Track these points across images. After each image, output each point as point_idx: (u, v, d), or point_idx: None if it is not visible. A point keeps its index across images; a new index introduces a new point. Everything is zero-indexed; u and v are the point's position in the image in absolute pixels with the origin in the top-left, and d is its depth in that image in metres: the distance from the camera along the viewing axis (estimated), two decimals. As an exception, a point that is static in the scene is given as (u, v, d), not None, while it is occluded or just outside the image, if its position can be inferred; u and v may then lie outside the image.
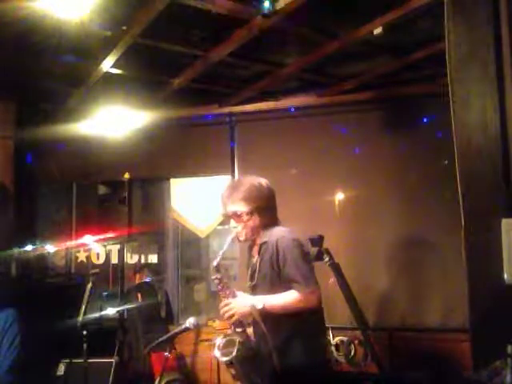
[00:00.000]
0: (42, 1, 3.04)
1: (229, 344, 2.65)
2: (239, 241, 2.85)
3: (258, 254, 2.77)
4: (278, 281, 2.67)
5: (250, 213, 2.74)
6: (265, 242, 2.74)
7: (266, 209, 2.79)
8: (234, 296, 2.71)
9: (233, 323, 2.68)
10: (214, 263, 2.76)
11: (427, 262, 4.24)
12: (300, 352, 2.63)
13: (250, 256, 2.92)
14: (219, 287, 2.74)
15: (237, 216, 2.76)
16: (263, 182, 2.84)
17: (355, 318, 3.93)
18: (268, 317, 2.64)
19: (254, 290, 2.78)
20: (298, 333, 2.64)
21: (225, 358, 2.63)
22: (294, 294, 2.59)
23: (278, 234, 2.73)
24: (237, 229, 2.79)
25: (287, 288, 2.62)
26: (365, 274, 4.30)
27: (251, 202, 2.74)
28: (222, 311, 2.69)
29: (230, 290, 2.73)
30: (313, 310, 2.65)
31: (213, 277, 2.76)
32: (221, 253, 2.76)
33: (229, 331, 2.74)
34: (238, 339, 2.62)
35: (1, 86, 4.61)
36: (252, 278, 2.81)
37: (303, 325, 2.65)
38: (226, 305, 2.68)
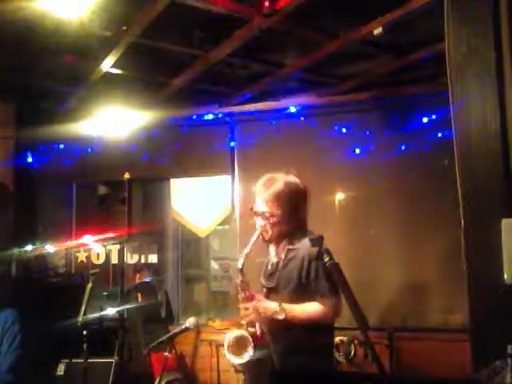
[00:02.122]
0: (41, 1, 3.04)
1: (240, 344, 2.57)
2: (264, 240, 2.69)
3: (285, 257, 2.64)
4: (301, 292, 2.56)
5: (281, 216, 2.60)
6: (294, 249, 2.62)
7: (297, 212, 2.66)
8: (253, 298, 2.61)
9: (246, 323, 2.60)
10: (239, 265, 2.62)
11: (427, 262, 4.24)
12: (307, 351, 2.54)
13: (267, 253, 2.79)
14: (240, 288, 2.63)
15: (265, 217, 2.62)
16: (298, 183, 2.69)
17: (355, 318, 3.92)
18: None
19: (270, 291, 2.67)
20: (306, 331, 2.55)
21: (238, 361, 2.55)
22: (320, 308, 2.50)
23: (309, 246, 2.49)
24: (264, 228, 2.64)
25: (309, 299, 2.53)
26: (365, 274, 4.29)
27: (283, 205, 2.60)
28: (242, 314, 2.60)
29: (249, 292, 2.63)
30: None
31: (237, 280, 2.64)
32: (244, 253, 2.62)
33: (239, 330, 2.62)
34: (250, 341, 2.53)
35: (1, 86, 4.61)
36: (270, 278, 2.70)
37: (313, 323, 2.56)
38: (247, 309, 2.59)
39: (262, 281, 2.76)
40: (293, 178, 2.69)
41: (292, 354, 2.56)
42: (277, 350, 2.57)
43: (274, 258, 2.73)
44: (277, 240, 2.68)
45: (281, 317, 2.51)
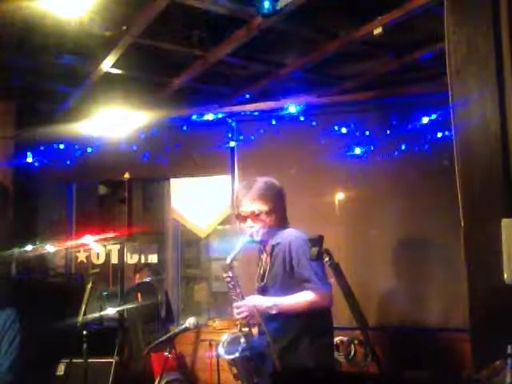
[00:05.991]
0: (41, 1, 3.05)
1: (233, 342, 2.63)
2: (254, 242, 2.79)
3: (270, 255, 2.75)
4: (289, 282, 2.65)
5: (269, 212, 2.74)
6: (278, 244, 2.73)
7: (280, 208, 2.80)
8: (243, 297, 2.69)
9: (240, 323, 2.66)
10: (228, 261, 2.69)
11: (427, 262, 4.24)
12: (307, 351, 2.62)
13: (259, 257, 2.90)
14: (230, 285, 2.70)
15: (254, 215, 2.74)
16: (275, 182, 2.86)
17: (355, 318, 3.92)
18: (277, 315, 2.62)
19: (263, 291, 2.75)
20: (306, 331, 2.63)
21: (228, 356, 2.60)
22: (309, 295, 2.59)
23: (290, 235, 2.73)
24: (254, 228, 2.75)
25: (299, 289, 2.61)
26: (365, 274, 4.29)
27: (269, 201, 2.74)
28: (235, 313, 2.67)
29: (240, 289, 2.70)
30: (324, 308, 2.66)
31: (224, 274, 2.71)
32: (235, 251, 2.70)
33: (234, 330, 2.71)
34: (243, 339, 2.60)
35: (1, 86, 4.61)
36: (262, 278, 2.79)
37: (312, 323, 2.64)
38: (239, 307, 2.66)
39: (257, 283, 2.85)
40: (269, 178, 2.85)
41: (291, 354, 2.61)
42: (274, 350, 2.59)
43: (264, 260, 2.83)
44: (266, 237, 2.78)
45: (273, 311, 2.59)
